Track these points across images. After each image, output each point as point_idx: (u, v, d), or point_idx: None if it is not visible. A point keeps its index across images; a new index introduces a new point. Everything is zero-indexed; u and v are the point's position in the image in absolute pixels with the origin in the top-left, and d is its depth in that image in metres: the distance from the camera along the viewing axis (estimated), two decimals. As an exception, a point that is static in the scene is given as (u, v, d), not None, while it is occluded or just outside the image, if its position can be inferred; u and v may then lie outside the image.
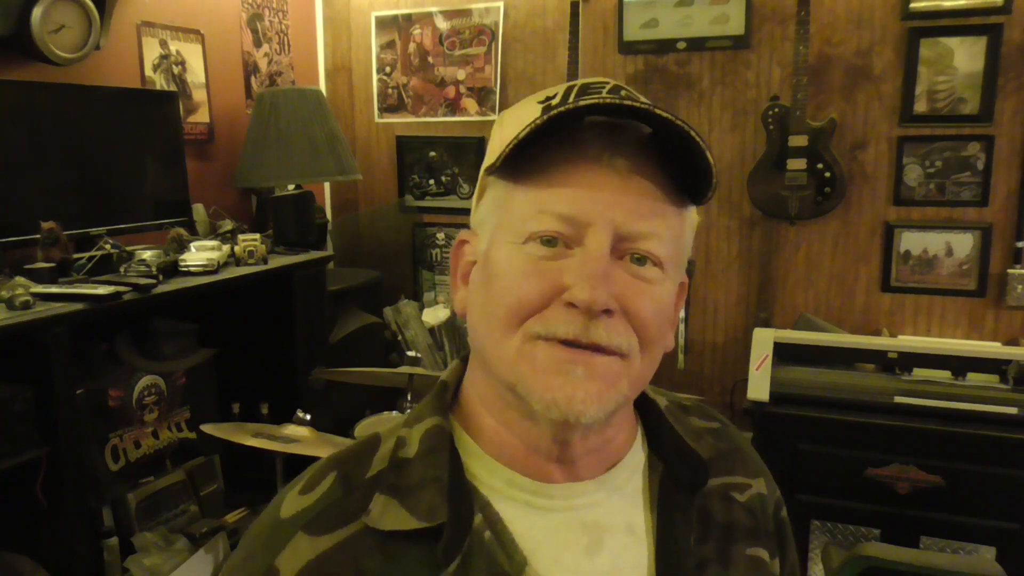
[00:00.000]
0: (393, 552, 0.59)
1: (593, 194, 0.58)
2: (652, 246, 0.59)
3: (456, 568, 0.58)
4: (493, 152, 0.63)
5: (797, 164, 2.83)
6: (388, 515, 0.60)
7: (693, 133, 0.57)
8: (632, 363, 0.60)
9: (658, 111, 0.57)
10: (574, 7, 3.07)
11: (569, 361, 0.58)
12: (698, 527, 0.67)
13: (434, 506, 0.60)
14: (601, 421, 0.60)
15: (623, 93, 0.62)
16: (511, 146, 0.57)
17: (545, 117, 0.57)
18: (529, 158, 0.60)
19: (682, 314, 3.13)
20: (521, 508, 0.63)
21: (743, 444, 0.77)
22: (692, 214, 0.65)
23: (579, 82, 0.64)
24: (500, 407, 0.64)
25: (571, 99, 0.60)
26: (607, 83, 0.63)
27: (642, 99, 0.61)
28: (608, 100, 0.58)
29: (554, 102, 0.61)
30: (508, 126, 0.63)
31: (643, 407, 0.71)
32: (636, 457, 0.68)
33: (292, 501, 0.64)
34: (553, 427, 0.61)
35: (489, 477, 0.64)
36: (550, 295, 0.58)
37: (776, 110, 2.87)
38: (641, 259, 0.60)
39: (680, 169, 0.60)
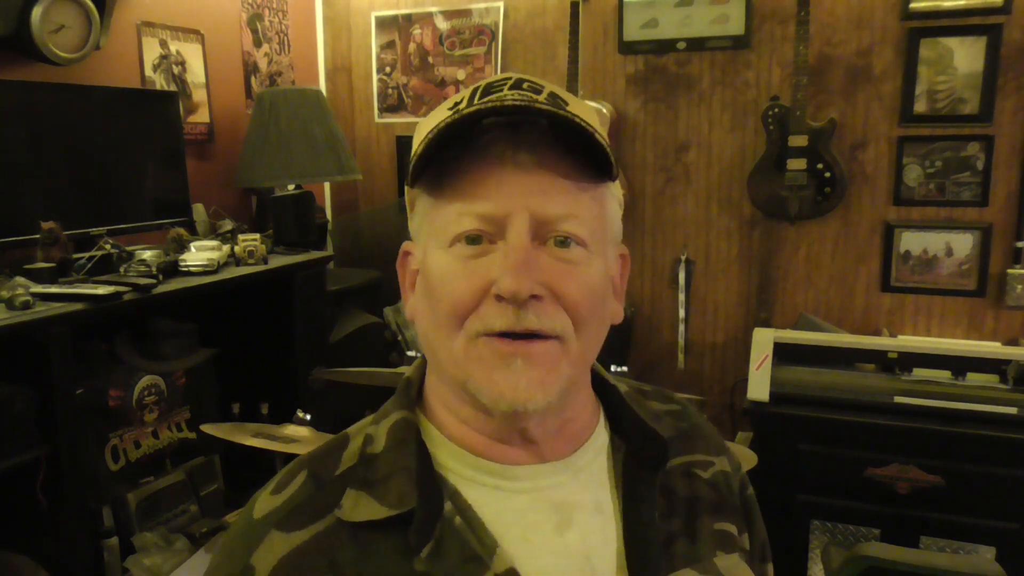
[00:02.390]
0: (366, 542, 0.61)
1: (505, 189, 0.61)
2: (572, 227, 0.61)
3: (428, 553, 0.59)
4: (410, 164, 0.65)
5: (797, 164, 2.83)
6: (359, 507, 0.62)
7: (579, 120, 0.60)
8: (570, 344, 0.62)
9: (538, 105, 0.60)
10: (574, 7, 3.07)
11: (509, 354, 0.60)
12: (663, 503, 0.68)
13: (403, 493, 0.61)
14: (552, 405, 0.62)
15: (524, 86, 0.64)
16: (413, 163, 0.62)
17: (435, 131, 0.60)
18: (443, 167, 0.63)
19: (682, 314, 3.13)
20: (490, 492, 0.64)
21: (702, 423, 0.79)
22: (613, 188, 0.67)
23: (483, 82, 0.65)
24: (456, 405, 0.66)
25: (476, 101, 0.62)
26: (508, 79, 0.65)
27: (541, 93, 0.63)
28: (490, 104, 0.60)
29: (461, 107, 0.62)
30: (421, 136, 0.65)
31: (604, 392, 0.73)
32: (600, 439, 0.70)
33: (264, 501, 0.66)
34: (506, 418, 0.62)
35: (457, 465, 0.65)
36: (481, 292, 0.60)
37: (776, 110, 2.87)
38: (564, 241, 0.61)
39: (583, 151, 0.62)
